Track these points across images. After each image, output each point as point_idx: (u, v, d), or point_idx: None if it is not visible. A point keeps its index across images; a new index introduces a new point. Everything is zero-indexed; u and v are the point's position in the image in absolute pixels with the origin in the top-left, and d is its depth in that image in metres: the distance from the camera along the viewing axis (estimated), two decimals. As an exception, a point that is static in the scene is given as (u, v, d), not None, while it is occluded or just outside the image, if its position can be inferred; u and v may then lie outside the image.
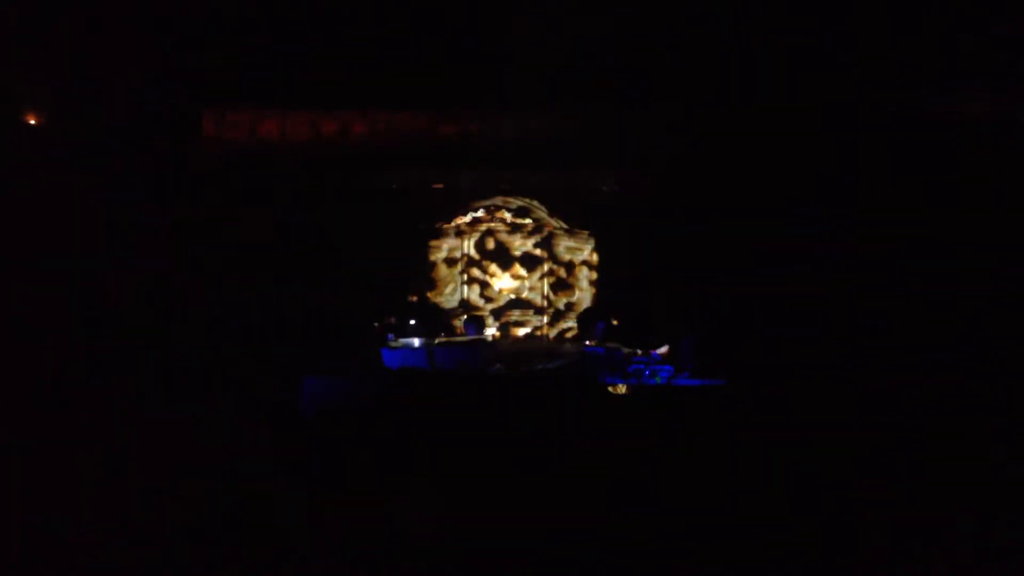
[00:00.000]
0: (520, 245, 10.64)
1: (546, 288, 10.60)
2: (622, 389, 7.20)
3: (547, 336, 10.53)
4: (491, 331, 10.17)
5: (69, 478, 5.77)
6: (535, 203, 10.81)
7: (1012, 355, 8.15)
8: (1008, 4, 8.61)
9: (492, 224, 10.63)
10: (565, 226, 10.68)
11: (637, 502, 5.76)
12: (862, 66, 9.15)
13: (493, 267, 10.57)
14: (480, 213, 10.65)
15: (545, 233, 10.63)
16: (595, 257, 10.72)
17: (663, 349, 8.10)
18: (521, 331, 10.48)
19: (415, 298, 10.15)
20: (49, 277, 8.49)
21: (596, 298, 10.63)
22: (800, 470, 6.06)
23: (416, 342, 8.83)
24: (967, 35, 8.77)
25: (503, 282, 10.58)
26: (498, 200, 10.75)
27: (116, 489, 5.63)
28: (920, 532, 5.34)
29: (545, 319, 10.56)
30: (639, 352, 7.85)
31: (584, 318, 8.98)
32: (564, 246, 10.69)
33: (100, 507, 5.41)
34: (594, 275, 10.73)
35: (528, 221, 10.74)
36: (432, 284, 10.45)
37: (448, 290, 10.49)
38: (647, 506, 5.73)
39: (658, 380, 7.50)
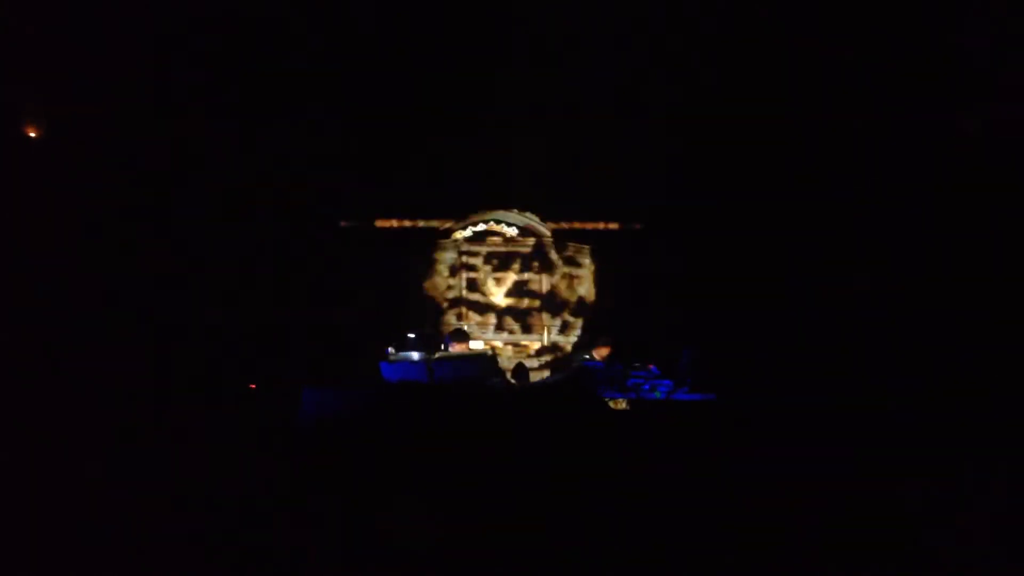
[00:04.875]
0: (519, 259, 10.64)
1: (545, 302, 10.60)
2: (622, 404, 7.19)
3: (545, 350, 10.52)
4: (478, 344, 10.16)
5: (65, 486, 5.74)
6: (534, 217, 10.83)
7: (1010, 371, 8.14)
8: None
9: (491, 238, 10.64)
10: (564, 241, 10.69)
11: (634, 516, 5.74)
12: (862, 81, 9.21)
13: (491, 281, 10.57)
14: (480, 227, 10.67)
15: (544, 247, 10.64)
16: (594, 272, 10.73)
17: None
18: (520, 344, 10.47)
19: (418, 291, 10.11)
20: (45, 285, 8.47)
21: (595, 311, 10.63)
22: (798, 483, 6.04)
23: (415, 356, 8.81)
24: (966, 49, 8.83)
25: (501, 296, 10.57)
26: (498, 214, 10.77)
27: (112, 500, 5.60)
28: (915, 543, 5.33)
29: (544, 333, 10.55)
30: (637, 366, 7.84)
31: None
32: (563, 261, 10.70)
33: (97, 517, 5.39)
34: (593, 290, 10.74)
35: (528, 236, 10.75)
36: (431, 297, 10.44)
37: (447, 303, 10.49)
38: (644, 521, 5.72)
39: (657, 395, 7.49)
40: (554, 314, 10.59)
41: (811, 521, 5.70)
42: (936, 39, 8.74)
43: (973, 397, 7.59)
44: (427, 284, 10.47)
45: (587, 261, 10.77)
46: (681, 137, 9.68)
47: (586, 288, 10.75)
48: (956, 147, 9.19)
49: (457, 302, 10.47)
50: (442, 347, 8.87)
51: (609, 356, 8.36)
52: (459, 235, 10.64)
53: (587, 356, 8.73)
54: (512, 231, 10.78)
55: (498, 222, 10.79)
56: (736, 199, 9.69)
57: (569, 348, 10.51)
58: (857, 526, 5.59)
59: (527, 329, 10.57)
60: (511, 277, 10.59)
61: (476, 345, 10.16)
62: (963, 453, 6.31)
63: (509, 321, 10.54)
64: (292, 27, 8.85)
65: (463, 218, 10.68)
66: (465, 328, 10.18)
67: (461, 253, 10.51)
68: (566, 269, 10.69)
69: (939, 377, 8.04)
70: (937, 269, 8.89)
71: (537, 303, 10.60)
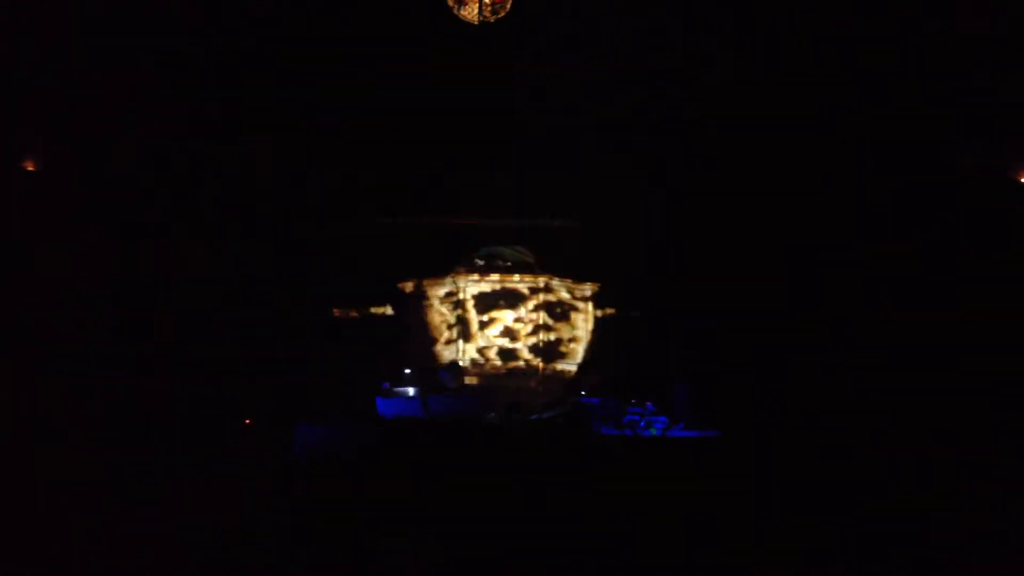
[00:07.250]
0: (514, 294, 10.63)
1: (542, 337, 10.57)
2: None
3: (542, 386, 10.47)
4: (473, 379, 10.13)
5: (55, 526, 5.69)
6: (530, 254, 10.83)
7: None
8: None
9: (489, 274, 10.63)
10: (562, 278, 10.68)
11: (630, 553, 5.70)
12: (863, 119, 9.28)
13: (488, 316, 10.55)
14: (478, 263, 10.67)
15: (542, 284, 10.62)
16: (591, 308, 10.72)
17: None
18: (516, 381, 10.42)
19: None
20: (46, 314, 8.46)
21: (593, 348, 10.60)
22: (799, 520, 6.00)
23: (411, 391, 8.80)
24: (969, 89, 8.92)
25: (498, 332, 10.55)
26: (496, 250, 10.77)
27: (104, 535, 5.55)
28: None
29: (540, 369, 10.51)
30: (634, 402, 7.81)
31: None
32: (562, 297, 10.69)
33: (87, 553, 5.33)
34: (591, 326, 10.72)
35: (526, 272, 10.75)
36: (428, 331, 10.42)
37: (443, 338, 10.46)
38: (639, 558, 5.67)
39: (653, 432, 7.46)
40: (550, 349, 10.57)
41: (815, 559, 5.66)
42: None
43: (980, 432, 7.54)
44: (423, 319, 10.46)
45: (587, 298, 10.76)
46: (682, 179, 9.75)
47: (583, 324, 10.73)
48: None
49: (452, 337, 10.44)
50: (439, 382, 8.85)
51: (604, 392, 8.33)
52: (455, 271, 10.62)
53: (583, 391, 8.71)
54: (507, 265, 10.78)
55: (492, 256, 10.79)
56: (731, 235, 9.71)
57: (565, 383, 10.48)
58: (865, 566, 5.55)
59: (523, 364, 10.53)
60: (506, 312, 10.57)
61: (471, 380, 10.13)
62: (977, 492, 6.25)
63: (505, 356, 10.51)
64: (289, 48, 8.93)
65: (463, 253, 10.68)
66: (460, 363, 10.17)
67: (457, 287, 10.51)
68: (566, 306, 10.68)
69: (946, 414, 7.96)
70: (933, 312, 8.85)
71: (533, 339, 10.57)
